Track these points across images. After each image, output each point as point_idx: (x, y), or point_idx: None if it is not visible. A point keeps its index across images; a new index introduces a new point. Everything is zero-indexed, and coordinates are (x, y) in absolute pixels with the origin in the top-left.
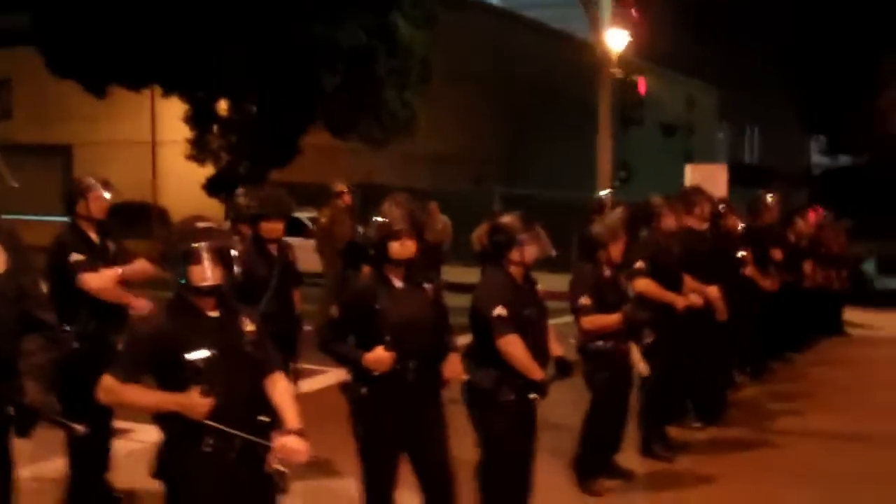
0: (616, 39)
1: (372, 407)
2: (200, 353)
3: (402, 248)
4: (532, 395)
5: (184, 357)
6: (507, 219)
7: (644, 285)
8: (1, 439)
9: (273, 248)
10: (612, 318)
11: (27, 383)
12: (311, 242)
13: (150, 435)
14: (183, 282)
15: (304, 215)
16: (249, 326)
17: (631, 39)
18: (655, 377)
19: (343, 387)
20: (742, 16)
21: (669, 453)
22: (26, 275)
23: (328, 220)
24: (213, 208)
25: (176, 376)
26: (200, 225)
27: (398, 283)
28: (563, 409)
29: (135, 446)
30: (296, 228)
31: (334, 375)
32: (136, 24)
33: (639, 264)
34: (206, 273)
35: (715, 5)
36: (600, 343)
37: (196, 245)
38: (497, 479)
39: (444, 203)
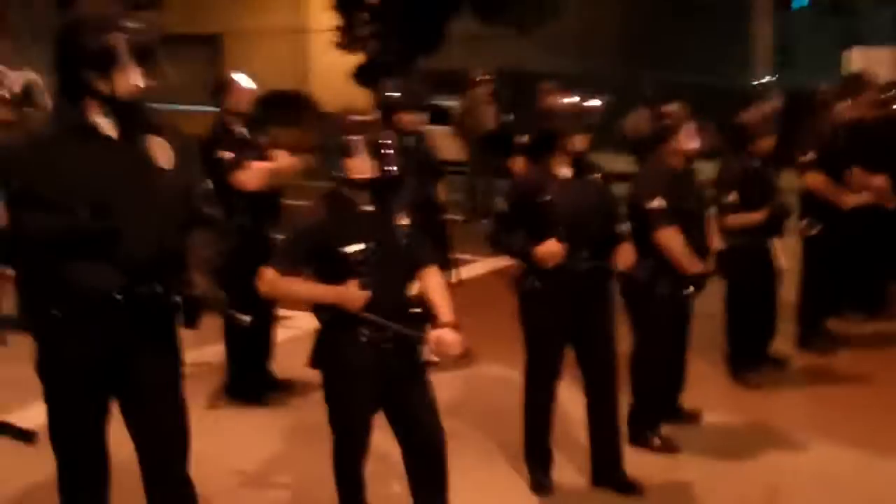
0: None
1: (543, 299)
2: (357, 247)
3: (578, 142)
4: (689, 289)
5: (341, 250)
6: (671, 106)
7: (813, 180)
8: (170, 329)
9: (412, 140)
10: (757, 216)
11: (196, 276)
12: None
13: (308, 323)
14: (340, 174)
15: (449, 103)
16: (404, 220)
17: None
18: (816, 268)
19: (513, 279)
20: None
21: (829, 346)
22: (192, 171)
23: (464, 109)
24: (362, 97)
25: (334, 268)
26: (356, 118)
27: (566, 174)
28: (721, 300)
29: (294, 333)
30: (441, 117)
31: (483, 265)
32: None
33: (808, 156)
34: (363, 166)
35: None
36: (741, 239)
37: (352, 138)
38: (651, 371)
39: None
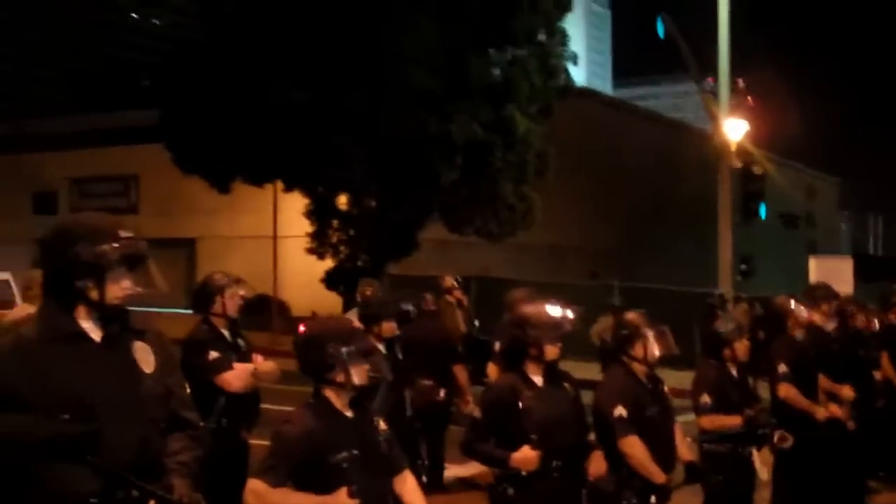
0: (734, 129)
1: None
2: (344, 454)
3: (550, 351)
4: (653, 500)
5: (329, 459)
6: (631, 315)
7: (786, 392)
8: None
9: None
10: (733, 420)
11: (175, 481)
12: None
13: None
14: (327, 381)
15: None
16: (382, 425)
17: (749, 129)
18: (788, 481)
19: (489, 487)
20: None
21: None
22: (173, 375)
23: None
24: (332, 301)
25: (320, 477)
26: (342, 327)
27: (539, 381)
28: None
29: None
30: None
31: (455, 471)
32: (259, 124)
33: (782, 369)
34: (351, 375)
35: (829, 91)
36: (718, 445)
37: (341, 348)
38: None
39: (560, 296)
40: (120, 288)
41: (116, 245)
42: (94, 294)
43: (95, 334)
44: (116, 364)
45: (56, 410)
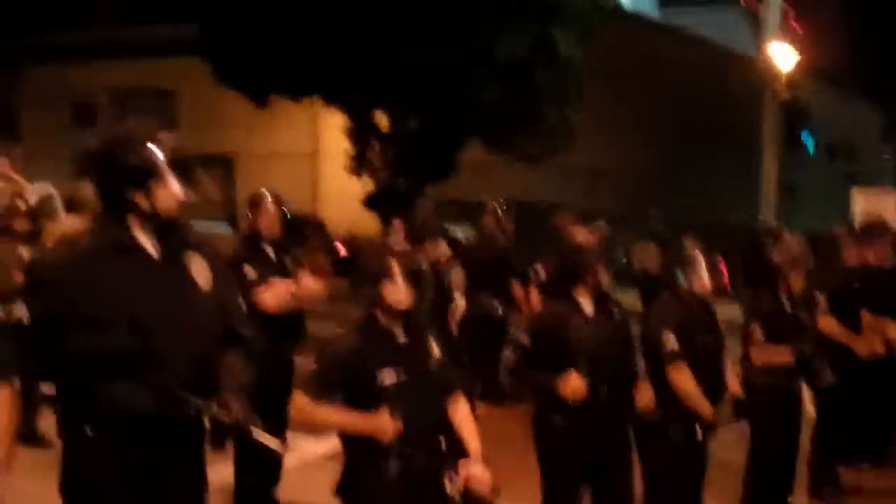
0: (781, 56)
1: (563, 434)
2: (390, 376)
3: (602, 277)
4: (700, 433)
5: (374, 379)
6: (688, 244)
7: (826, 324)
8: (198, 452)
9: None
10: (784, 353)
11: (230, 399)
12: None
13: (312, 449)
14: (376, 301)
15: (460, 233)
16: (436, 350)
17: (795, 57)
18: (829, 417)
19: (535, 415)
20: None
21: (841, 497)
22: (228, 291)
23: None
24: (371, 222)
25: (365, 397)
26: (393, 247)
27: (589, 309)
28: (738, 445)
29: (297, 462)
30: (452, 246)
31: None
32: (300, 36)
33: (821, 301)
34: (399, 295)
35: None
36: (768, 379)
37: (389, 266)
38: None
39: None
40: (170, 195)
41: (161, 150)
42: (144, 203)
43: (151, 248)
44: (172, 279)
45: (112, 325)
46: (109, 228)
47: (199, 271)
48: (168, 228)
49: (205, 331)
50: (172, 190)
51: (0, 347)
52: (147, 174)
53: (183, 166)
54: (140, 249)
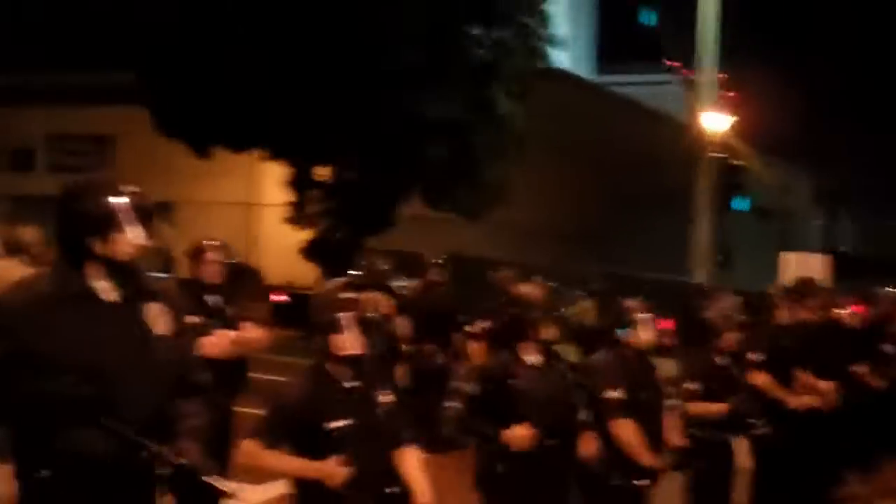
0: (716, 121)
1: (506, 483)
2: (340, 423)
3: (549, 330)
4: (641, 482)
5: (324, 426)
6: (629, 300)
7: (760, 379)
8: (151, 498)
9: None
10: (718, 407)
11: (186, 445)
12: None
13: (259, 497)
14: (326, 350)
15: (398, 284)
16: (386, 397)
17: (730, 122)
18: (765, 471)
19: (479, 463)
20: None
21: None
22: (185, 338)
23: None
24: (308, 272)
25: (315, 444)
26: (344, 295)
27: (533, 361)
28: (677, 496)
29: None
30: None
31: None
32: (241, 88)
33: (756, 356)
34: (350, 343)
35: (812, 88)
36: (704, 433)
37: (340, 315)
38: None
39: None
40: (128, 243)
41: (121, 199)
42: (101, 250)
43: (108, 294)
44: (129, 325)
45: (68, 371)
46: (67, 274)
47: (156, 318)
48: (126, 275)
49: (161, 377)
50: (130, 237)
51: None
52: (105, 222)
53: (141, 213)
54: (97, 296)
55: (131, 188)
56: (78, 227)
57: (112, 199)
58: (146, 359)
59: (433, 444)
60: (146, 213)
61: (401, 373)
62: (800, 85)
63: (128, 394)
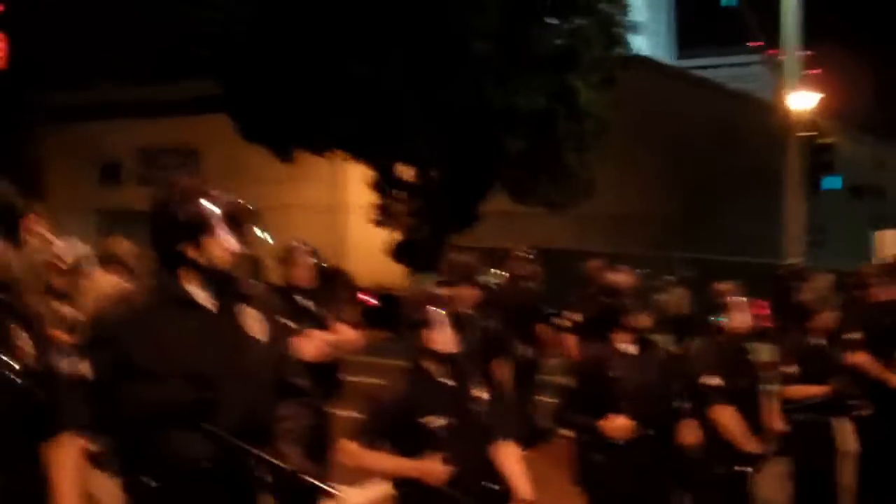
0: (803, 100)
1: (607, 474)
2: (438, 421)
3: (642, 319)
4: (743, 469)
5: (422, 424)
6: (722, 286)
7: (861, 359)
8: (254, 501)
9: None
10: (819, 389)
11: (286, 448)
12: None
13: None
14: (421, 347)
15: (486, 279)
16: (483, 393)
17: (817, 100)
18: (870, 453)
19: (579, 453)
20: None
21: None
22: (283, 342)
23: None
24: (395, 273)
25: (414, 442)
26: (436, 292)
27: (629, 350)
28: (780, 483)
29: None
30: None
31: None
32: (322, 91)
33: (855, 335)
34: (444, 340)
35: None
36: (802, 415)
37: (433, 312)
38: None
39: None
40: (220, 248)
41: (210, 203)
42: (195, 255)
43: (204, 300)
44: (227, 330)
45: (169, 377)
46: (166, 281)
47: (254, 322)
48: (222, 280)
49: (260, 381)
50: (223, 242)
51: (73, 402)
52: (197, 227)
53: (232, 217)
54: (195, 302)
55: (223, 193)
56: (171, 233)
57: (203, 204)
58: (245, 363)
59: (526, 438)
60: (237, 218)
61: (498, 368)
62: (886, 59)
63: (228, 399)
